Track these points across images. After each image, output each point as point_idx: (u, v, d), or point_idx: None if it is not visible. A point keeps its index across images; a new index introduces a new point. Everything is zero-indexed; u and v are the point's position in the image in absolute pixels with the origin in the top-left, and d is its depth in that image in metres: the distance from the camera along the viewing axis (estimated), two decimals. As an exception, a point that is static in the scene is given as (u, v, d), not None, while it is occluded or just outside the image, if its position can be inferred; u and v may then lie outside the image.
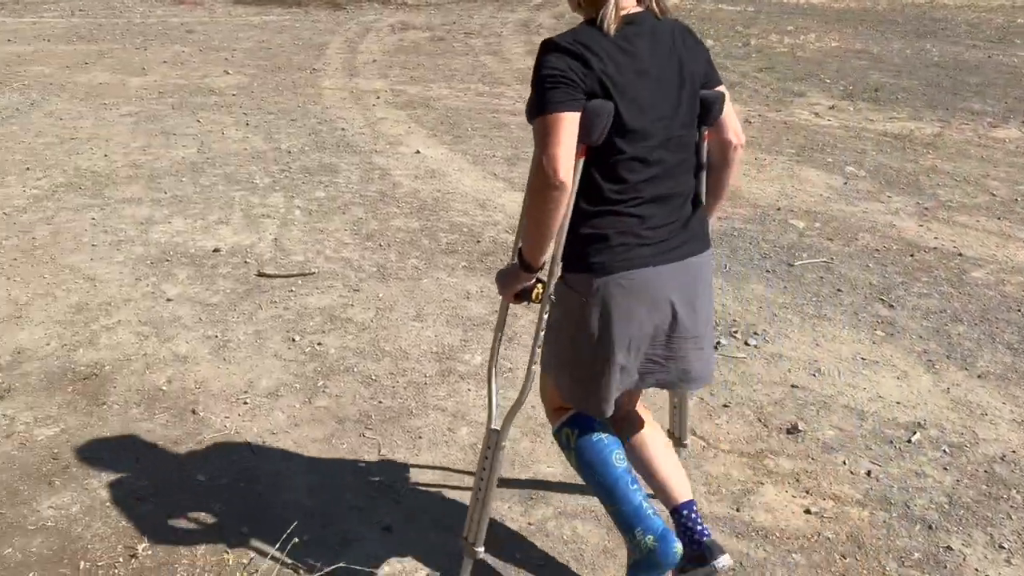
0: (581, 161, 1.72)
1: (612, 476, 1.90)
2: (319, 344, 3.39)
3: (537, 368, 1.90)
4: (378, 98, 7.58)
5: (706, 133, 1.92)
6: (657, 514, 1.91)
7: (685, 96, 1.78)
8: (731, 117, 1.90)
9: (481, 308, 3.70)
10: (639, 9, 1.75)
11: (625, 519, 1.89)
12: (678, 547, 1.85)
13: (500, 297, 1.94)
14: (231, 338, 3.43)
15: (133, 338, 3.42)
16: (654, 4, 1.77)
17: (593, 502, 2.45)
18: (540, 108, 1.65)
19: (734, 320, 3.64)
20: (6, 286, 3.85)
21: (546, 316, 1.84)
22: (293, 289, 3.87)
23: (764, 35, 10.82)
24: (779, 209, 4.97)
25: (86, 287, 3.86)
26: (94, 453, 2.67)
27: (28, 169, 5.52)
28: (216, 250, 4.29)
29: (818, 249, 4.41)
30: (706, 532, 1.92)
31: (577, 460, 1.96)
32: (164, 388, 3.05)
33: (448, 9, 12.57)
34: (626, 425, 2.03)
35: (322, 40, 10.17)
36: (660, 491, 1.99)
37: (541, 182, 1.64)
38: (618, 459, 1.91)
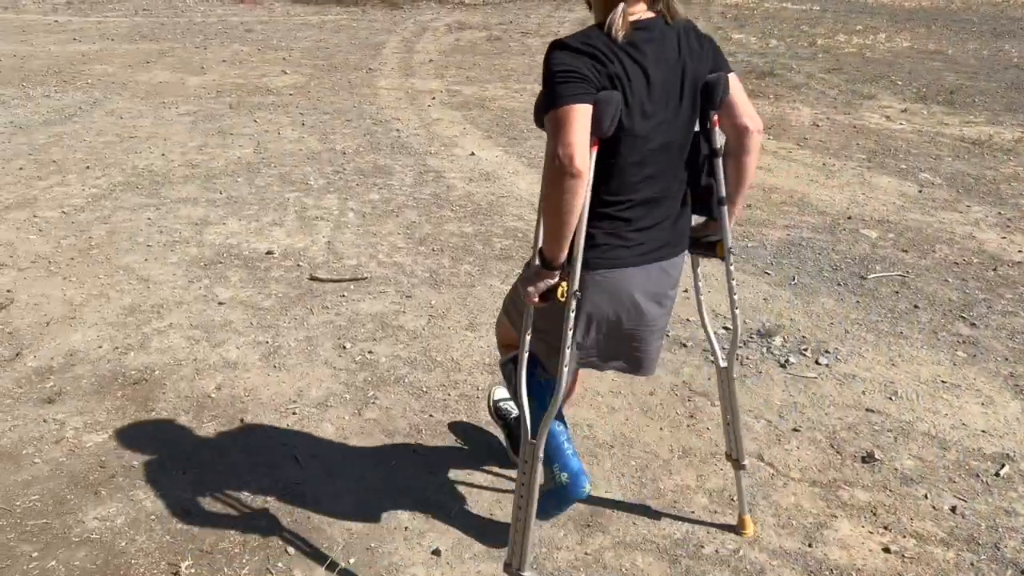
0: (595, 152, 1.76)
1: (533, 417, 1.99)
2: (370, 352, 3.31)
3: (567, 369, 1.91)
4: (433, 99, 7.53)
5: (715, 118, 1.91)
6: (576, 454, 2.13)
7: (686, 103, 1.83)
8: (743, 101, 1.90)
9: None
10: (650, 15, 1.78)
11: (547, 453, 2.07)
12: (586, 487, 2.09)
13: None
14: (281, 344, 3.38)
15: (184, 342, 3.39)
16: (665, 9, 1.79)
17: (654, 531, 2.32)
18: (553, 102, 1.67)
19: (803, 337, 3.46)
20: (62, 286, 3.87)
21: (572, 314, 1.86)
22: (345, 294, 3.81)
23: (831, 35, 10.49)
24: (850, 218, 4.75)
25: (139, 288, 3.85)
26: (141, 462, 2.63)
27: (88, 168, 5.58)
28: (269, 252, 4.25)
29: (892, 262, 4.19)
30: (585, 485, 2.14)
31: (515, 391, 2.07)
32: (213, 395, 3.01)
33: (505, 8, 12.48)
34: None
35: (379, 40, 10.17)
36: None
37: (558, 172, 1.66)
38: (552, 401, 1.97)
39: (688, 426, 2.86)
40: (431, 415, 2.90)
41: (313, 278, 3.97)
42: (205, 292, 3.83)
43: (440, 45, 9.86)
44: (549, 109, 1.68)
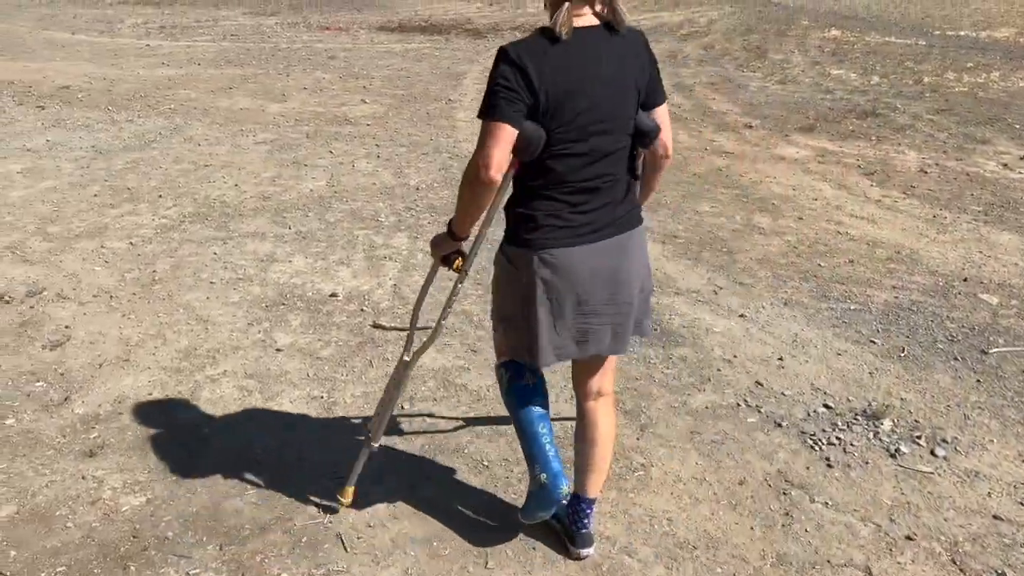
0: (512, 171, 2.02)
1: (527, 419, 2.24)
2: (429, 415, 3.09)
3: (445, 323, 2.35)
4: (512, 132, 7.35)
5: (638, 151, 2.13)
6: (557, 457, 2.24)
7: (622, 97, 2.01)
8: (667, 136, 2.15)
9: (615, 385, 3.30)
10: (595, 22, 1.97)
11: (531, 455, 2.25)
12: (565, 488, 2.21)
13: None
14: (337, 400, 3.20)
15: (236, 393, 3.24)
16: (611, 16, 1.97)
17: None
18: (486, 112, 1.90)
19: (916, 421, 3.08)
20: (120, 324, 3.79)
21: (460, 285, 2.24)
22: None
23: (939, 72, 9.94)
24: (966, 280, 4.33)
25: (197, 330, 3.74)
26: (177, 535, 2.46)
27: (160, 197, 5.58)
28: (333, 295, 4.11)
29: (1018, 334, 3.76)
30: (587, 526, 2.36)
31: (506, 397, 2.33)
32: (260, 458, 2.83)
33: (590, 38, 12.32)
34: (585, 420, 2.33)
35: (460, 69, 10.12)
36: (579, 476, 2.36)
37: (473, 175, 1.92)
38: (538, 406, 2.25)
39: (783, 526, 2.54)
40: (491, 496, 2.66)
41: (376, 325, 3.80)
42: (264, 336, 3.69)
43: (522, 76, 9.73)
44: (483, 115, 1.92)
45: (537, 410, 2.26)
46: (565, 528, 2.40)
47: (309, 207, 5.39)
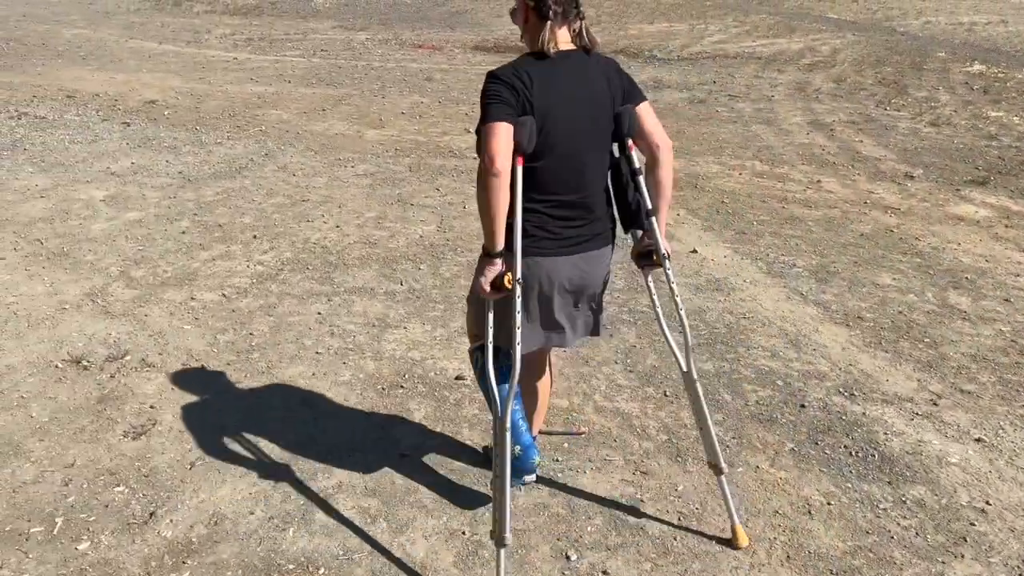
0: (520, 166, 2.21)
1: (501, 396, 2.38)
2: (604, 574, 2.46)
3: (518, 351, 2.30)
4: (636, 172, 6.72)
5: (630, 143, 2.34)
6: (528, 432, 2.64)
7: (601, 122, 2.29)
8: (654, 124, 2.35)
9: (837, 540, 2.62)
10: (572, 47, 2.26)
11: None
12: (537, 459, 2.63)
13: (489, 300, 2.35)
14: (483, 539, 2.59)
15: (358, 517, 2.67)
16: (587, 39, 2.26)
17: None
18: (483, 120, 2.16)
19: None
20: (215, 404, 3.28)
21: (519, 299, 2.28)
22: (559, 458, 3.00)
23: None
24: None
25: (306, 419, 3.20)
26: None
27: (255, 237, 5.12)
28: (459, 378, 3.53)
29: None
30: (534, 458, 2.65)
31: (479, 376, 2.60)
32: (395, 626, 2.24)
33: (703, 65, 11.64)
34: (532, 365, 2.66)
35: (567, 96, 9.56)
36: (528, 418, 2.71)
37: (484, 172, 2.12)
38: (510, 384, 2.34)
39: None
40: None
41: (544, 432, 3.19)
42: (382, 435, 3.13)
43: (636, 106, 9.11)
44: (480, 125, 2.14)
45: (507, 388, 2.38)
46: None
47: (421, 258, 4.85)
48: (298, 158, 6.97)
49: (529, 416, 2.74)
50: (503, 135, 2.12)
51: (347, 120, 8.39)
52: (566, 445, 3.09)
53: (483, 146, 2.14)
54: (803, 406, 3.38)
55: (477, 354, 2.58)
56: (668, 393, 3.45)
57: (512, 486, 2.43)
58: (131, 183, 6.17)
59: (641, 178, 2.39)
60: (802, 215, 5.75)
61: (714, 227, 5.50)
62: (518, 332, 2.28)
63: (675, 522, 2.68)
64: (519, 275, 2.26)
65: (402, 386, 3.48)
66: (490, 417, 2.91)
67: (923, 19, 16.41)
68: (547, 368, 2.75)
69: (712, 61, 11.99)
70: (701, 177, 6.61)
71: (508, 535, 2.31)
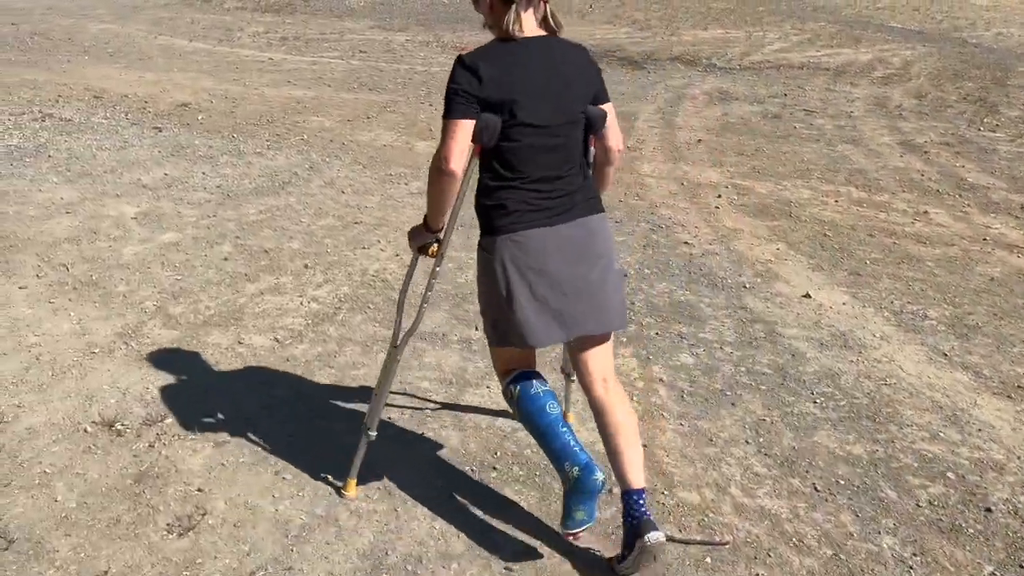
0: (475, 156, 2.33)
1: (545, 422, 2.41)
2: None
3: (427, 306, 2.63)
4: (719, 196, 6.18)
5: (592, 140, 2.48)
6: (584, 450, 2.39)
7: (573, 99, 2.33)
8: (614, 128, 2.47)
9: None
10: (542, 32, 2.31)
11: (556, 455, 2.39)
12: (599, 476, 2.34)
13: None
14: None
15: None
16: (551, 22, 2.32)
17: None
18: (445, 113, 2.23)
19: None
20: (273, 490, 2.76)
21: (438, 268, 2.53)
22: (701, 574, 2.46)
23: None
24: None
25: (384, 511, 2.67)
26: None
27: (307, 267, 4.62)
28: (563, 459, 2.98)
29: None
30: (646, 514, 2.33)
31: (518, 411, 2.49)
32: None
33: (769, 76, 11.06)
34: (599, 410, 2.43)
35: (629, 108, 9.02)
36: (619, 474, 2.38)
37: (438, 170, 2.24)
38: (551, 407, 2.43)
39: None
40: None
41: (670, 539, 2.64)
42: (479, 537, 2.60)
43: (706, 120, 8.55)
44: (443, 117, 2.24)
45: (552, 414, 2.42)
46: (628, 534, 2.35)
47: (496, 298, 4.32)
48: (345, 172, 6.47)
49: (625, 461, 2.37)
50: (461, 135, 2.21)
51: (394, 130, 7.89)
52: (708, 560, 2.55)
53: (442, 142, 2.23)
54: (989, 510, 2.82)
55: (510, 388, 2.52)
56: (819, 487, 2.90)
57: (581, 524, 2.39)
58: (165, 198, 5.69)
59: (590, 170, 2.50)
60: (918, 253, 5.17)
61: (823, 266, 4.93)
62: (527, 327, 2.34)
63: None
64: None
65: (495, 467, 2.95)
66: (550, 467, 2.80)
67: (994, 30, 15.73)
68: (619, 392, 2.48)
69: (777, 71, 11.40)
70: (794, 204, 6.05)
71: (373, 432, 2.69)
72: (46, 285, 4.29)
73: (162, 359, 3.60)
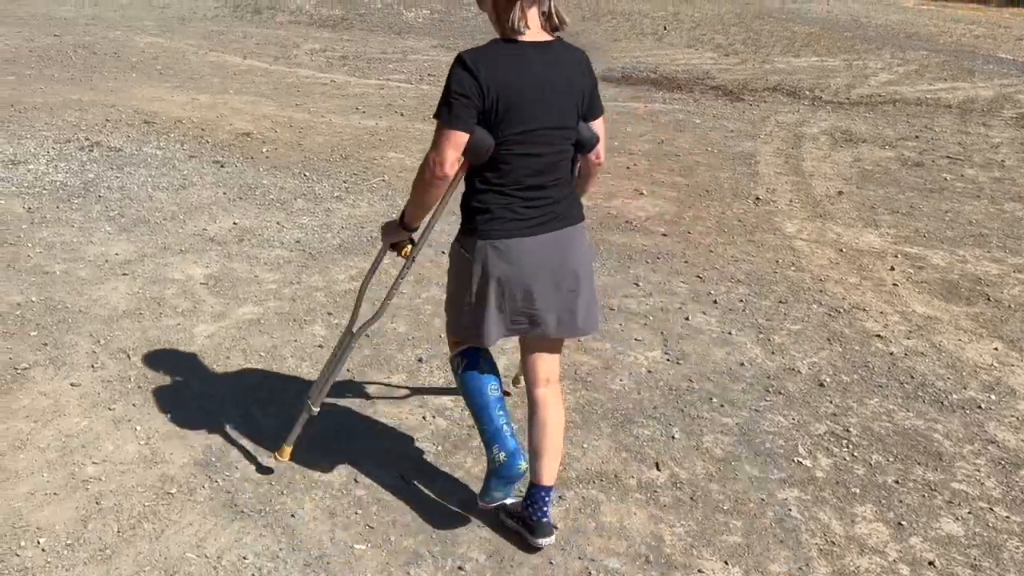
0: (464, 170, 2.39)
1: (483, 402, 2.58)
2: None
3: (392, 301, 2.75)
4: (891, 269, 5.29)
5: (579, 157, 2.57)
6: (514, 436, 2.57)
7: (567, 108, 2.40)
8: (601, 146, 2.58)
9: None
10: (547, 38, 2.36)
11: (488, 437, 2.57)
12: (523, 465, 2.55)
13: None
14: None
15: None
16: (554, 19, 2.34)
17: None
18: (442, 116, 2.28)
19: None
20: None
21: (407, 270, 2.65)
22: None
23: None
24: None
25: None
26: None
27: (421, 361, 3.82)
28: None
29: None
30: (546, 516, 2.60)
31: (461, 384, 2.66)
32: None
33: (887, 113, 10.14)
34: (541, 397, 2.63)
35: (742, 148, 8.17)
36: (533, 464, 2.61)
37: (428, 172, 2.31)
38: (492, 389, 2.59)
39: None
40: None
41: None
42: None
43: (838, 167, 7.67)
44: (438, 118, 2.28)
45: (492, 395, 2.58)
46: (523, 521, 2.62)
47: (661, 412, 3.48)
48: (440, 225, 5.67)
49: (542, 459, 2.60)
50: (457, 143, 2.26)
51: (486, 171, 7.09)
52: None
53: (435, 147, 2.28)
54: None
55: (456, 360, 2.68)
56: None
57: (495, 501, 2.65)
58: (237, 256, 4.93)
59: (574, 179, 2.58)
60: None
61: (1060, 375, 4.02)
62: (487, 327, 2.46)
63: None
64: (418, 252, 2.58)
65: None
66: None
67: (1115, 63, 14.68)
68: (558, 394, 2.67)
69: (893, 107, 10.49)
70: (986, 283, 5.14)
71: (316, 409, 2.84)
72: (104, 382, 3.51)
73: (260, 511, 2.79)
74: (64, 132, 7.51)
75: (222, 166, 6.81)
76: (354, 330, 2.82)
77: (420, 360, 3.87)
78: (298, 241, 5.24)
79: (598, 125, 2.54)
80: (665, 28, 16.87)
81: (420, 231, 2.58)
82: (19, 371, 3.58)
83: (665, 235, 5.73)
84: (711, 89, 11.27)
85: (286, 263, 4.88)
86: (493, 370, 2.65)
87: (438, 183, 2.32)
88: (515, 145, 2.33)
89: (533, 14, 2.31)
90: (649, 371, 3.86)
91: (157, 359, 3.72)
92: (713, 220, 6.09)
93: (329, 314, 4.27)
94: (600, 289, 4.79)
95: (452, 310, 2.62)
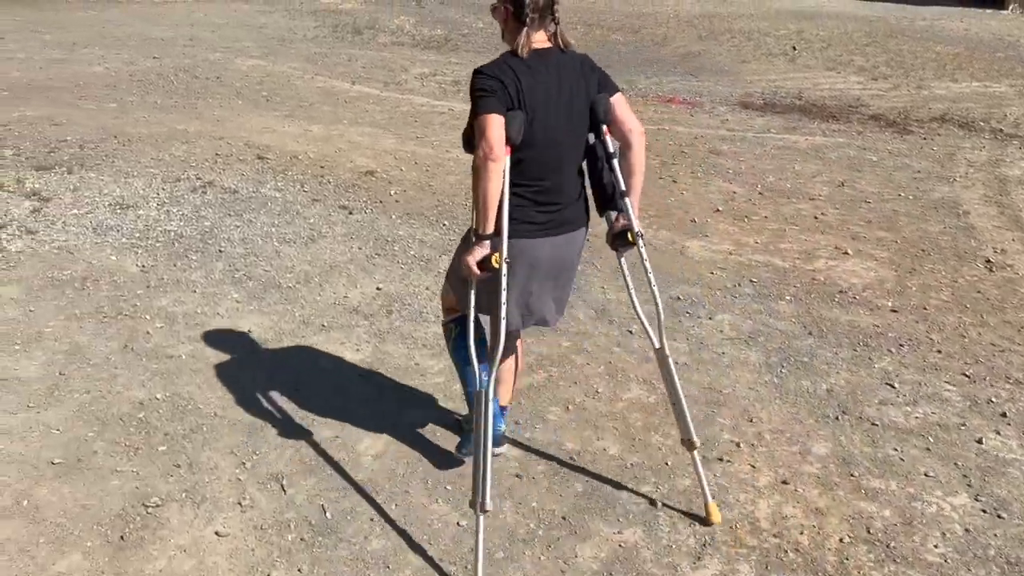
0: (508, 154, 2.60)
1: (470, 367, 2.86)
2: None
3: (503, 326, 2.69)
4: None
5: (605, 129, 2.77)
6: (495, 400, 2.92)
7: (577, 114, 2.71)
8: (626, 112, 2.76)
9: None
10: (548, 45, 2.68)
11: (470, 397, 2.97)
12: (501, 427, 3.04)
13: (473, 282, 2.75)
14: None
15: None
16: (560, 41, 2.69)
17: None
18: (476, 113, 2.56)
19: None
20: None
21: (504, 278, 2.65)
22: None
23: None
24: None
25: None
26: None
27: (654, 504, 2.94)
28: None
29: None
30: (500, 426, 3.08)
31: (451, 348, 3.05)
32: None
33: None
34: (512, 347, 3.09)
35: (937, 192, 7.15)
36: (497, 389, 3.08)
37: (482, 159, 2.50)
38: (480, 356, 2.84)
39: None
40: None
41: None
42: None
43: (1063, 218, 6.59)
44: (474, 118, 2.57)
45: (477, 361, 2.83)
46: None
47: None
48: (615, 294, 4.82)
49: (498, 389, 3.07)
50: (496, 123, 2.51)
51: (643, 221, 6.23)
52: None
53: (480, 136, 2.52)
54: None
55: (450, 326, 3.01)
56: None
57: (468, 455, 3.00)
58: (390, 335, 4.19)
59: (615, 161, 2.80)
60: None
61: None
62: (503, 308, 2.65)
63: None
64: (507, 255, 2.63)
65: None
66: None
67: None
68: (517, 346, 3.13)
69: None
70: None
71: (488, 503, 2.56)
72: (256, 530, 2.77)
73: None
74: (173, 169, 6.94)
75: (351, 213, 6.11)
76: (481, 389, 2.69)
77: (653, 503, 3.02)
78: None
79: (616, 100, 2.75)
80: (795, 48, 15.81)
81: (499, 238, 2.64)
82: (150, 510, 2.86)
83: (895, 311, 4.78)
84: (870, 119, 10.21)
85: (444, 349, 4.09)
86: (480, 336, 2.89)
87: (492, 168, 2.49)
88: (530, 147, 2.62)
89: (539, 36, 2.65)
90: (967, 530, 2.94)
91: (319, 492, 2.96)
92: (946, 291, 5.10)
93: (517, 422, 3.46)
94: (848, 391, 3.89)
95: (453, 285, 2.91)
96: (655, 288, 2.84)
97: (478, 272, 2.62)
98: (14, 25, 14.41)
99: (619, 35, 17.17)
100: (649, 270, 2.84)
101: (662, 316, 2.89)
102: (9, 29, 13.91)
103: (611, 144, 2.77)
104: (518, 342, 3.11)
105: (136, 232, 5.49)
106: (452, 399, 3.67)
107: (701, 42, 16.48)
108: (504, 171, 2.54)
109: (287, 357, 3.93)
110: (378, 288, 4.78)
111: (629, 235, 2.78)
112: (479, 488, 2.54)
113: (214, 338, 4.08)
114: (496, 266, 2.59)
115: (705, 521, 2.90)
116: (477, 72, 2.60)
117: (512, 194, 2.64)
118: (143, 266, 4.94)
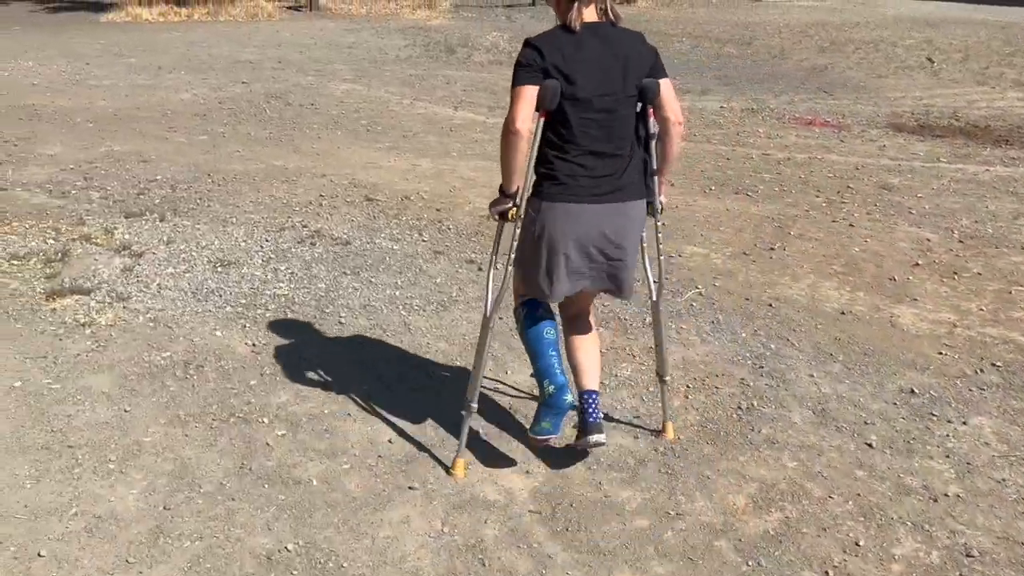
0: (542, 121, 2.89)
1: (540, 343, 3.13)
2: None
3: (511, 268, 3.10)
4: None
5: (650, 111, 2.99)
6: (563, 373, 3.12)
7: (626, 81, 2.87)
8: (670, 100, 2.97)
9: None
10: (597, 19, 2.89)
11: (540, 372, 3.14)
12: (569, 397, 3.10)
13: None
14: None
15: None
16: (611, 15, 2.89)
17: None
18: (513, 83, 2.79)
19: None
20: None
21: (518, 230, 3.01)
22: None
23: None
24: None
25: None
26: None
27: None
28: None
29: None
30: (597, 417, 3.13)
31: (522, 330, 3.23)
32: None
33: None
34: (576, 324, 3.29)
35: None
36: (576, 375, 3.22)
37: (507, 130, 2.78)
38: (547, 333, 3.14)
39: None
40: None
41: None
42: None
43: None
44: (511, 87, 2.79)
45: (548, 338, 3.12)
46: (579, 428, 3.18)
47: None
48: (832, 386, 3.94)
49: (585, 371, 3.20)
50: (526, 98, 2.76)
51: (832, 279, 5.32)
52: None
53: (511, 106, 2.76)
54: None
55: (519, 310, 3.22)
56: None
57: (544, 432, 3.14)
58: (562, 450, 3.36)
59: (654, 142, 3.05)
60: None
61: None
62: (553, 284, 3.01)
63: None
64: (523, 211, 2.97)
65: None
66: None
67: None
68: (591, 322, 3.30)
69: None
70: None
71: (475, 404, 3.14)
72: None
73: None
74: (275, 215, 6.30)
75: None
76: (488, 314, 3.11)
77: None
78: (635, 412, 3.63)
79: (663, 84, 2.94)
80: (932, 60, 14.62)
81: (519, 196, 2.96)
82: None
83: None
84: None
85: (637, 461, 3.27)
86: (550, 315, 3.18)
87: (514, 138, 2.76)
88: (581, 113, 2.84)
89: (590, 11, 2.87)
90: None
91: None
92: None
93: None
94: None
95: (520, 270, 3.14)
96: (662, 258, 3.32)
97: (498, 218, 3.04)
98: (98, 49, 14.19)
99: (731, 47, 16.21)
100: (660, 240, 3.25)
101: (663, 280, 3.33)
102: (93, 53, 13.67)
103: (652, 125, 3.03)
104: (591, 319, 3.32)
105: (242, 297, 4.82)
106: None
107: (824, 54, 15.41)
108: (527, 140, 2.78)
109: (442, 484, 3.15)
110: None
111: (649, 208, 3.11)
112: (472, 389, 3.16)
113: (350, 453, 3.34)
114: (512, 219, 2.99)
115: None
116: (526, 43, 2.84)
117: (562, 159, 2.89)
118: (254, 345, 4.25)
